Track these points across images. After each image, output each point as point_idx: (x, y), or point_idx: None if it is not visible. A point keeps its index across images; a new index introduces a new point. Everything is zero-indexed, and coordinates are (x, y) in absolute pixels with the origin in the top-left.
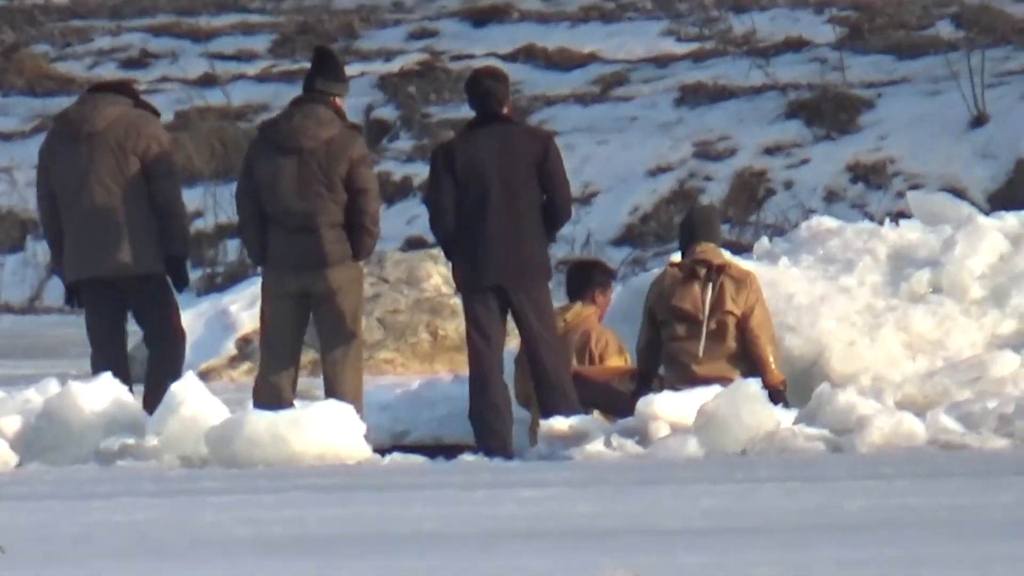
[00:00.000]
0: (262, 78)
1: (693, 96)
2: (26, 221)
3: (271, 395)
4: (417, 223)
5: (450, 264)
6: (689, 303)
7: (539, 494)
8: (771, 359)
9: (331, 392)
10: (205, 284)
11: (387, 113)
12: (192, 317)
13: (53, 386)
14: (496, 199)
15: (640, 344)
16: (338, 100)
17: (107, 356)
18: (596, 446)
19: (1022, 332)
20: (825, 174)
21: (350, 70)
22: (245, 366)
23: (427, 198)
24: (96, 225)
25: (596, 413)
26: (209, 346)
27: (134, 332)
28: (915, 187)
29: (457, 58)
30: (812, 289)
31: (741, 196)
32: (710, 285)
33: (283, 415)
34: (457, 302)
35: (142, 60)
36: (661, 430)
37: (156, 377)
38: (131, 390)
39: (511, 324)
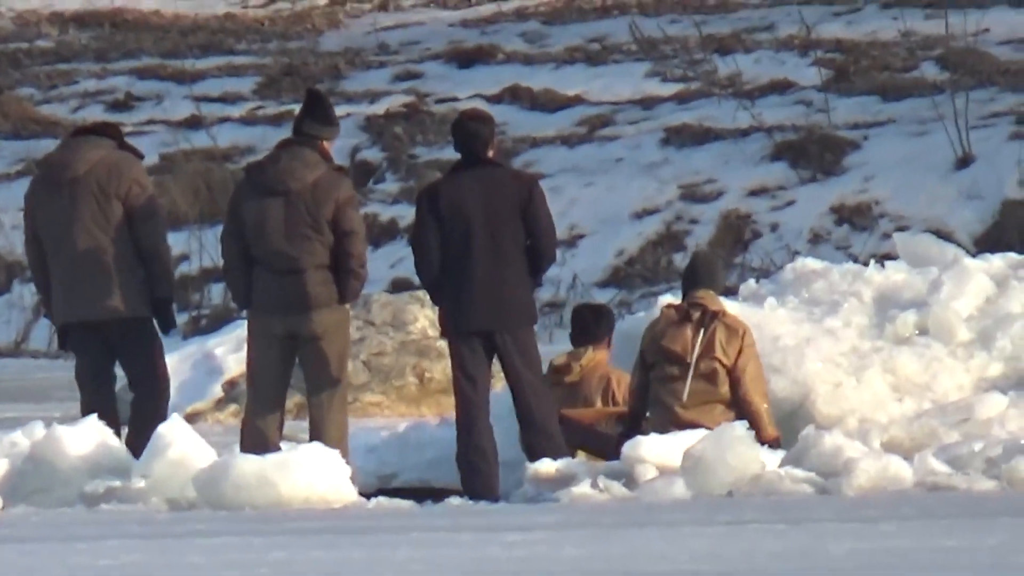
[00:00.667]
0: (247, 120)
1: (678, 137)
2: (12, 264)
3: (257, 438)
4: (403, 265)
5: (436, 307)
6: (679, 345)
7: (526, 537)
8: (765, 416)
9: (317, 435)
10: (191, 327)
11: (373, 155)
12: (178, 360)
13: (39, 429)
14: (480, 242)
15: (632, 385)
16: (326, 143)
17: (95, 399)
18: (583, 488)
19: (1009, 374)
20: (810, 216)
21: (335, 112)
22: (231, 408)
23: (412, 241)
24: (81, 269)
25: (582, 455)
26: (195, 389)
27: (121, 375)
28: (901, 229)
29: (442, 100)
30: (798, 331)
31: (727, 238)
32: (702, 329)
33: (270, 458)
34: (443, 345)
35: (127, 103)
36: (648, 473)
37: (140, 421)
38: (119, 433)
39: (497, 367)
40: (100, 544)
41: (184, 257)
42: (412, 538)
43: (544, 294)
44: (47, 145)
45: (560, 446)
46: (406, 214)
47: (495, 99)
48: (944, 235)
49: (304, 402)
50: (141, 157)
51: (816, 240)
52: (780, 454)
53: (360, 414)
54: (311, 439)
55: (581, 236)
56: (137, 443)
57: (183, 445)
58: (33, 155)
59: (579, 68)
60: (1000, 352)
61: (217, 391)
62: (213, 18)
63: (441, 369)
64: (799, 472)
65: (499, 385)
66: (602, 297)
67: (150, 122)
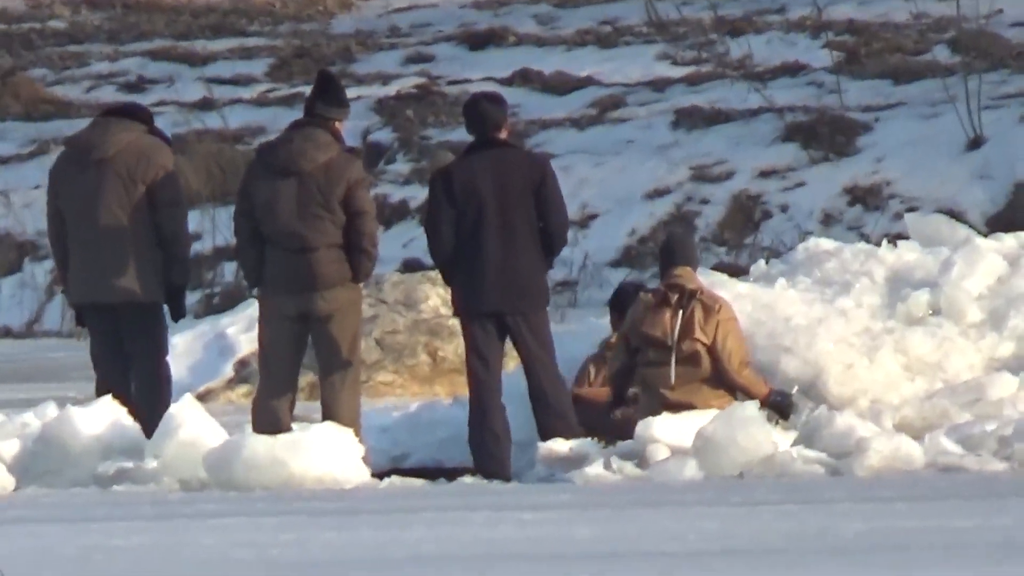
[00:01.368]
0: (259, 102)
1: (689, 119)
2: (23, 244)
3: (269, 418)
4: (414, 246)
5: (448, 287)
6: (659, 330)
7: (538, 517)
8: (749, 381)
9: (329, 415)
10: (203, 307)
11: (384, 136)
12: (190, 339)
13: (51, 410)
14: (493, 224)
15: (612, 369)
16: (337, 124)
17: (110, 380)
18: (595, 469)
19: (1020, 354)
20: (822, 197)
21: (347, 94)
22: (243, 388)
23: (425, 223)
24: (100, 251)
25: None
26: (207, 369)
27: None
28: (912, 209)
29: (454, 82)
30: (809, 311)
31: (738, 219)
32: (680, 311)
33: (282, 438)
34: (455, 324)
35: (139, 84)
36: (660, 453)
37: (143, 406)
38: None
39: (509, 347)
40: (112, 525)
41: (196, 237)
42: (424, 518)
43: (556, 274)
44: (59, 127)
45: (573, 427)
46: (417, 195)
47: (506, 81)
48: (956, 216)
49: (317, 382)
50: (169, 143)
51: (828, 221)
52: (792, 434)
53: (373, 394)
54: (323, 419)
55: (593, 217)
56: (143, 431)
57: (195, 425)
58: (44, 136)
59: (590, 50)
60: (1011, 332)
61: (229, 371)
62: (225, 0)
63: (453, 348)
64: (811, 452)
65: (512, 365)
66: (614, 277)
67: (162, 103)
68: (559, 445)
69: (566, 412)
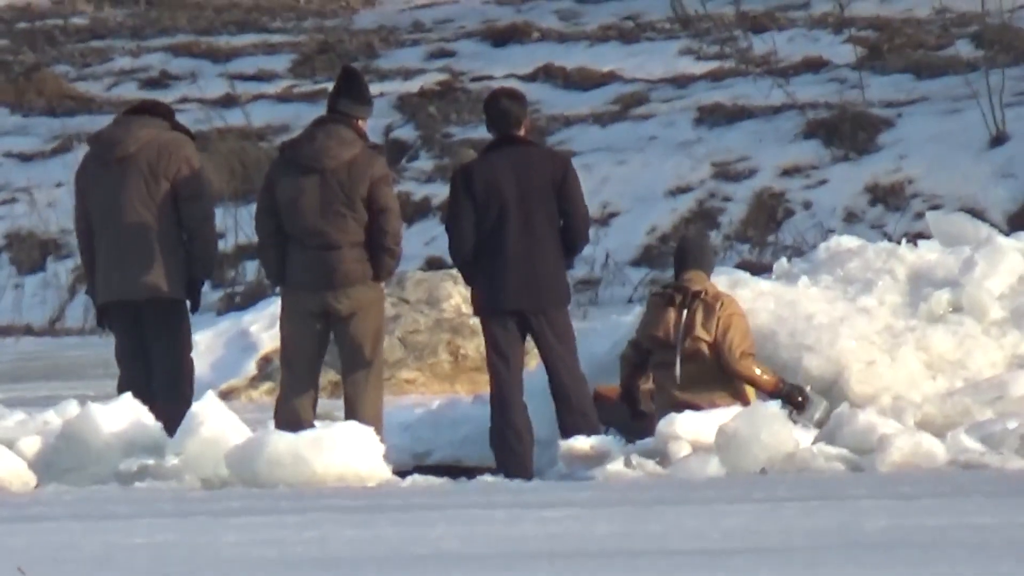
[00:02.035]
0: (282, 98)
1: (712, 116)
2: (47, 242)
3: (291, 416)
4: (437, 243)
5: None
6: (662, 330)
7: (560, 514)
8: (755, 373)
9: (352, 413)
10: (225, 304)
11: (406, 133)
12: (212, 337)
13: (73, 407)
14: (514, 222)
15: (623, 372)
16: (360, 122)
17: (132, 379)
18: (617, 466)
19: None
20: (844, 194)
21: (370, 90)
22: (266, 386)
23: (446, 221)
24: (124, 248)
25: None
26: (229, 366)
27: None
28: (934, 207)
29: (476, 78)
30: (831, 309)
31: (760, 216)
32: (683, 311)
33: (304, 436)
34: (477, 322)
35: (162, 80)
36: (682, 450)
37: (164, 403)
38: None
39: (530, 345)
40: (134, 522)
41: (219, 234)
42: (446, 515)
43: (578, 272)
44: (82, 123)
45: (595, 424)
46: (440, 192)
47: (529, 77)
48: (977, 213)
49: (339, 380)
50: (193, 137)
51: (850, 219)
52: (813, 432)
53: (395, 391)
54: (346, 417)
55: (614, 214)
56: (164, 428)
57: (217, 423)
58: (67, 132)
59: (613, 46)
60: None
61: (251, 368)
62: None
63: (475, 346)
64: (832, 449)
65: (533, 363)
66: (635, 275)
67: (184, 100)
68: (580, 443)
69: (587, 410)
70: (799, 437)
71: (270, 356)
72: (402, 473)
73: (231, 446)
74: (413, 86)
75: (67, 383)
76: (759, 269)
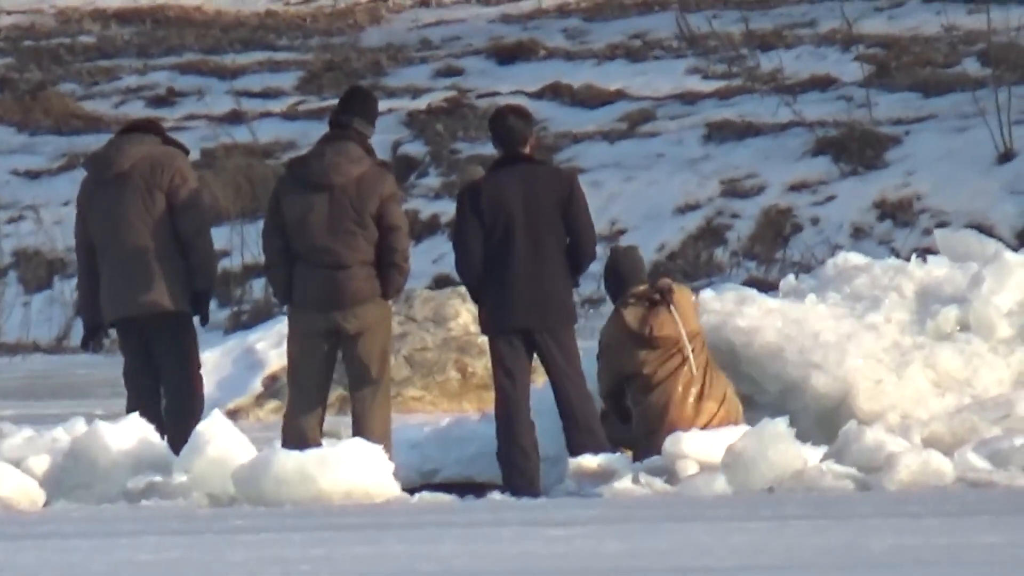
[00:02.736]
0: (289, 116)
1: (719, 133)
2: (53, 260)
3: (298, 435)
4: (445, 261)
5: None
6: (667, 329)
7: (568, 532)
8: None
9: (359, 430)
10: (232, 322)
11: (415, 150)
12: (219, 355)
13: (80, 425)
14: (521, 240)
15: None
16: (368, 139)
17: (141, 398)
18: (625, 484)
19: None
20: (852, 211)
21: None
22: (272, 404)
23: (453, 239)
24: (125, 267)
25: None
26: (236, 384)
27: None
28: (942, 224)
29: (484, 95)
30: (839, 326)
31: (768, 233)
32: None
33: (311, 454)
34: (484, 340)
35: (169, 98)
36: (689, 468)
37: (173, 420)
38: (162, 430)
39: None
40: (141, 540)
41: (225, 253)
42: (454, 533)
43: (585, 290)
44: (89, 141)
45: (602, 442)
46: (448, 209)
47: (536, 95)
48: (985, 230)
49: (347, 396)
50: (186, 152)
51: (858, 235)
52: (821, 449)
53: (402, 409)
54: (354, 434)
55: (623, 232)
56: (172, 445)
57: (223, 441)
58: (74, 151)
59: (620, 64)
60: None
61: (258, 386)
62: (254, 14)
63: (482, 364)
64: (840, 468)
65: (540, 381)
66: None
67: (191, 117)
68: (588, 460)
69: (594, 427)
70: (807, 455)
71: (277, 374)
72: (410, 491)
73: (238, 464)
74: (421, 103)
75: (75, 401)
76: (766, 286)
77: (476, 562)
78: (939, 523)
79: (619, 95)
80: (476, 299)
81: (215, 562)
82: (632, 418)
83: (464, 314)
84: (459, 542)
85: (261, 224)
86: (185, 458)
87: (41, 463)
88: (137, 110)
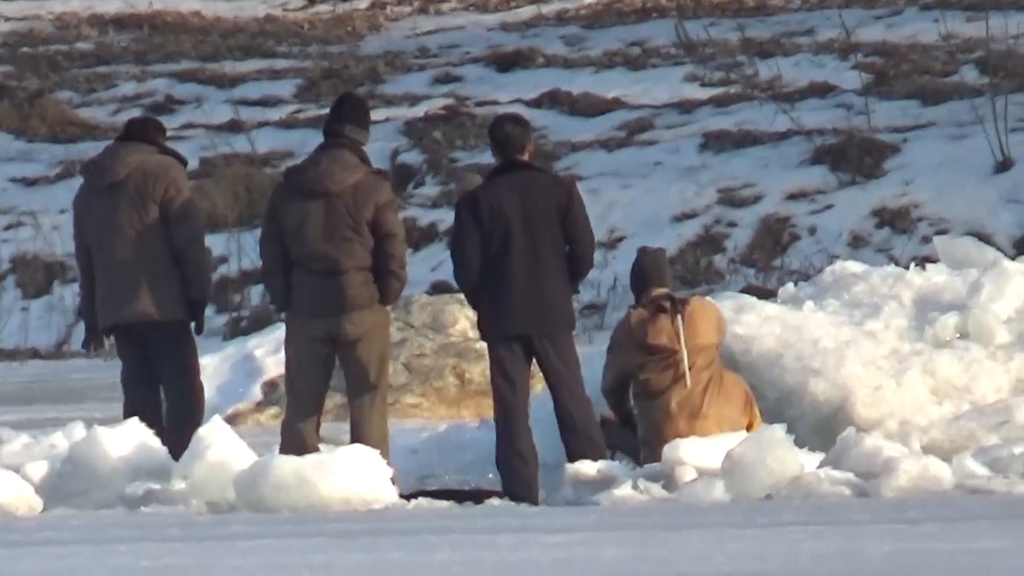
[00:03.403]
0: (287, 124)
1: (717, 142)
2: (52, 266)
3: (297, 440)
4: (443, 268)
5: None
6: (665, 337)
7: (566, 539)
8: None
9: (357, 436)
10: (230, 329)
11: (412, 158)
12: (218, 361)
13: (79, 431)
14: (520, 247)
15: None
16: (362, 147)
17: (138, 402)
18: (623, 491)
19: None
20: (850, 219)
21: (375, 115)
22: (271, 410)
23: (452, 247)
24: (120, 274)
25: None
26: (235, 391)
27: None
28: (940, 232)
29: (482, 103)
30: (838, 334)
31: (766, 241)
32: (678, 317)
33: (310, 460)
34: (483, 346)
35: (167, 106)
36: (687, 475)
37: (174, 430)
38: (161, 436)
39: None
40: (140, 546)
41: (223, 260)
42: (452, 539)
43: (584, 296)
44: (86, 148)
45: (600, 448)
46: (446, 217)
47: (535, 103)
48: (984, 238)
49: (345, 403)
50: (184, 162)
51: (856, 243)
52: (819, 456)
53: (400, 415)
54: (352, 440)
55: (621, 239)
56: (172, 452)
57: (223, 447)
58: (71, 158)
59: (618, 72)
60: None
61: (257, 393)
62: (253, 21)
63: (480, 371)
64: (838, 474)
65: (539, 387)
66: None
67: (189, 126)
68: (587, 467)
69: (593, 434)
70: (804, 462)
71: (276, 381)
72: (408, 497)
73: (237, 470)
74: (419, 111)
75: (73, 406)
76: (765, 294)
77: (474, 569)
78: (938, 530)
79: (617, 103)
80: (475, 306)
81: (214, 568)
82: (630, 421)
83: (462, 320)
84: (457, 549)
85: (259, 232)
86: (184, 464)
87: (39, 469)
88: None
